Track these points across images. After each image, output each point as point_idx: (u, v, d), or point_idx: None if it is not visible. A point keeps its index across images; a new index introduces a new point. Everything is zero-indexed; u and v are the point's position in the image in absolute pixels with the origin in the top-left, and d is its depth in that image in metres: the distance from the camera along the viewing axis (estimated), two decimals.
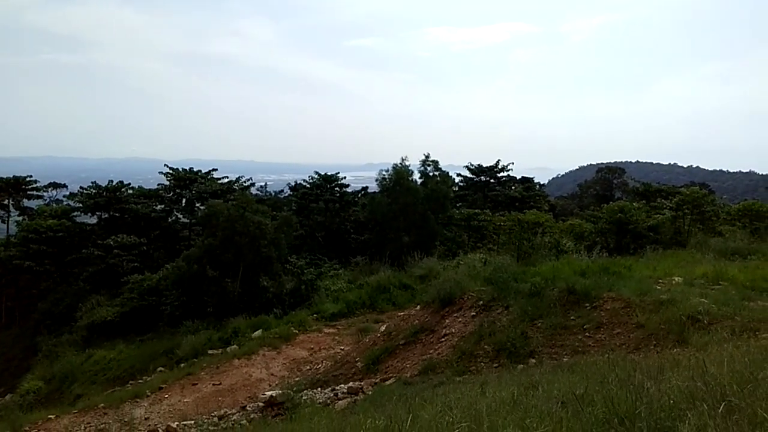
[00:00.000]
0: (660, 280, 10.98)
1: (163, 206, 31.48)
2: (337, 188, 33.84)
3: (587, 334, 9.05)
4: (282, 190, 43.65)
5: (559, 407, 3.42)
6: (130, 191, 31.13)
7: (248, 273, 20.48)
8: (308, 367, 13.53)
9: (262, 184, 46.01)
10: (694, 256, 15.22)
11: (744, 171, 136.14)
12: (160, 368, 15.46)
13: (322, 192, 33.30)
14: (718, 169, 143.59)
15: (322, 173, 34.05)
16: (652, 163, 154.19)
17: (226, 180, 32.83)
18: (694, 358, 4.50)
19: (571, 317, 9.57)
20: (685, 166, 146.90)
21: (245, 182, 33.51)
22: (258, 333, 16.17)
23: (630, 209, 23.28)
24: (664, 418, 2.64)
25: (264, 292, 20.41)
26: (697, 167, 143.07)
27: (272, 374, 13.25)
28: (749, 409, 2.40)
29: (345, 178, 34.75)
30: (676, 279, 11.02)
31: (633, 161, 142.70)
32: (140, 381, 14.59)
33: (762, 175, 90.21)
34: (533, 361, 8.67)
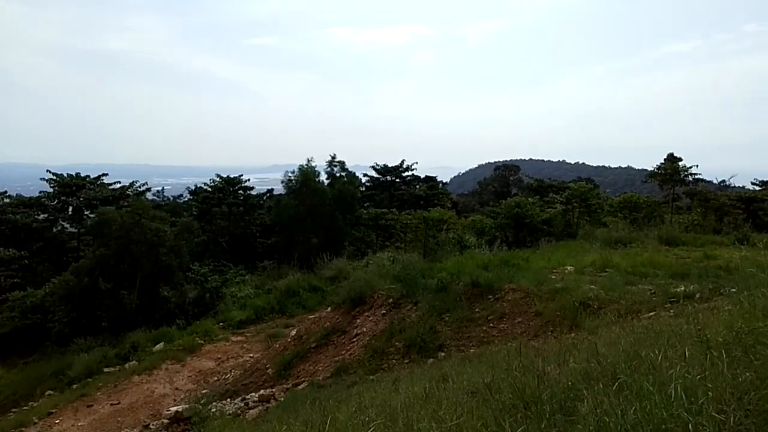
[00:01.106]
0: (554, 270, 11.74)
1: (46, 215, 28.77)
2: (240, 191, 32.82)
3: (491, 324, 9.49)
4: (181, 195, 41.65)
5: (469, 397, 3.55)
6: (7, 200, 28.12)
7: (146, 283, 19.32)
8: (216, 378, 13.03)
9: (159, 188, 43.61)
10: (583, 246, 16.44)
11: (623, 166, 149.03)
12: (48, 392, 14.16)
13: (225, 195, 32.15)
14: (601, 165, 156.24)
15: (225, 176, 32.84)
16: (543, 160, 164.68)
17: (118, 185, 30.61)
18: (587, 341, 4.85)
19: (476, 309, 9.99)
20: (573, 162, 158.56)
21: (140, 187, 31.46)
22: (160, 346, 15.33)
23: (526, 204, 24.64)
24: (565, 399, 2.82)
25: (165, 302, 19.35)
26: (583, 163, 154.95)
27: (177, 388, 12.61)
28: (636, 385, 2.62)
29: (249, 180, 33.78)
30: (569, 268, 11.84)
31: (527, 159, 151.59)
32: (25, 408, 13.27)
33: (638, 169, 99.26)
34: (442, 354, 8.94)
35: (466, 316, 9.83)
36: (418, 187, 41.05)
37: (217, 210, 31.66)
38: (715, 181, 30.50)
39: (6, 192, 28.67)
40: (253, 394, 10.01)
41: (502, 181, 57.21)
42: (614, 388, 2.66)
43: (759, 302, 4.04)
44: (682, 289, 8.58)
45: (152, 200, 33.93)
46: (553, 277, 10.84)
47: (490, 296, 10.28)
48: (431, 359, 8.73)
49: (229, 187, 32.44)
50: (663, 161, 27.82)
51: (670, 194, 28.47)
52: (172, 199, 40.76)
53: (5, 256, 23.63)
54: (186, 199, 38.07)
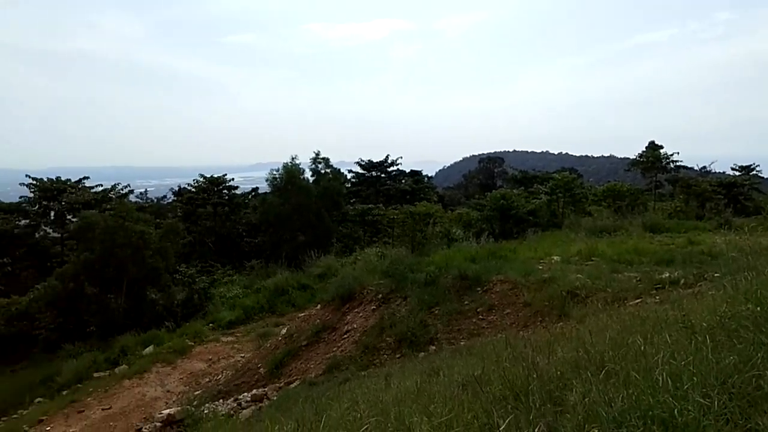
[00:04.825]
0: (541, 260, 11.84)
1: (28, 221, 28.34)
2: (225, 191, 32.62)
3: (480, 316, 9.56)
4: (165, 196, 41.28)
5: (460, 390, 3.58)
6: None
7: (133, 287, 19.15)
8: (208, 379, 12.98)
9: (142, 190, 43.15)
10: (569, 235, 16.58)
11: (606, 155, 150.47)
12: (38, 399, 14.00)
13: (210, 195, 31.93)
14: (584, 154, 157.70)
15: (208, 176, 32.61)
16: (527, 151, 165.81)
17: (100, 188, 30.23)
18: (575, 330, 4.91)
19: (465, 302, 10.05)
20: (556, 153, 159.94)
21: (122, 190, 31.11)
22: (149, 349, 15.22)
23: (511, 196, 24.81)
24: (554, 389, 2.87)
25: (153, 305, 19.21)
26: (566, 153, 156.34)
27: (169, 391, 12.54)
28: (623, 372, 2.67)
29: (233, 179, 33.59)
30: (555, 258, 11.95)
31: (510, 150, 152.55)
32: (15, 416, 13.12)
33: (621, 158, 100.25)
34: (433, 347, 8.99)
35: (455, 309, 9.89)
36: (403, 181, 41.11)
37: (202, 210, 31.44)
38: (696, 168, 30.93)
39: None
40: (245, 394, 9.99)
41: (487, 174, 57.48)
42: (602, 376, 2.71)
43: (742, 286, 4.11)
44: (667, 275, 8.71)
45: (135, 202, 33.59)
46: (540, 267, 10.94)
47: (479, 288, 10.34)
48: (422, 353, 8.78)
49: (214, 187, 32.22)
50: (644, 149, 28.11)
51: (653, 182, 28.84)
52: (155, 200, 40.43)
53: None
54: (170, 200, 37.73)
